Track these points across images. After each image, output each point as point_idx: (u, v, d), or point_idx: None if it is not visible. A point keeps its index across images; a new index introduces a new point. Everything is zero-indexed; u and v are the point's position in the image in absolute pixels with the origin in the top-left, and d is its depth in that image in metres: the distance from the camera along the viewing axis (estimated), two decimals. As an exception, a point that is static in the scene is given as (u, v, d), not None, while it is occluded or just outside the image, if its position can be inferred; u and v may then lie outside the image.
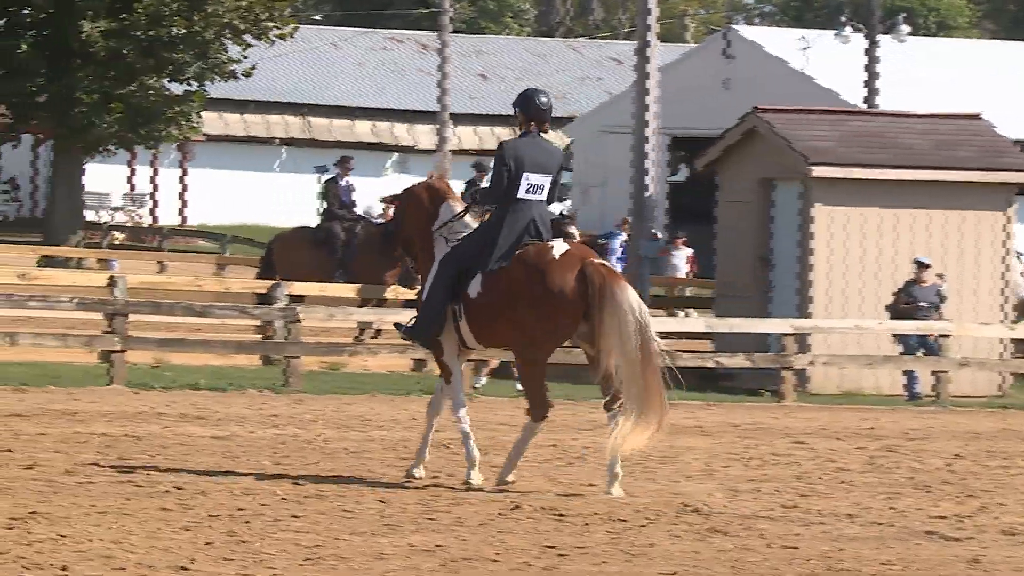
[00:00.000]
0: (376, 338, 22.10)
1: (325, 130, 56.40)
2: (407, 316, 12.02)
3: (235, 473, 11.59)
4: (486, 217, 11.44)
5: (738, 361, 20.39)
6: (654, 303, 25.93)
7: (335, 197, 24.17)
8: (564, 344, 11.34)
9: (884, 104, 37.00)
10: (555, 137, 53.99)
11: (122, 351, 18.24)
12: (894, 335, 21.71)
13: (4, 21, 39.16)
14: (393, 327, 12.06)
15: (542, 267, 11.05)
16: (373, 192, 32.96)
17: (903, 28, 43.56)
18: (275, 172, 56.02)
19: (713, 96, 41.44)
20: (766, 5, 79.96)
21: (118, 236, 44.86)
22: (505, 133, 55.54)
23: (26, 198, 55.15)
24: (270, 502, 10.50)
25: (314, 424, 15.04)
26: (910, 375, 21.74)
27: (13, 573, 8.30)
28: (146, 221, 52.72)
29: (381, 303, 22.42)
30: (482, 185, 15.26)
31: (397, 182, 44.84)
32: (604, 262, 11.31)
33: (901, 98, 37.79)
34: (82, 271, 32.18)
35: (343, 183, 24.31)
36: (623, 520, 10.29)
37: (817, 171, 22.54)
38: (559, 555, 9.20)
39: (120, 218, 52.25)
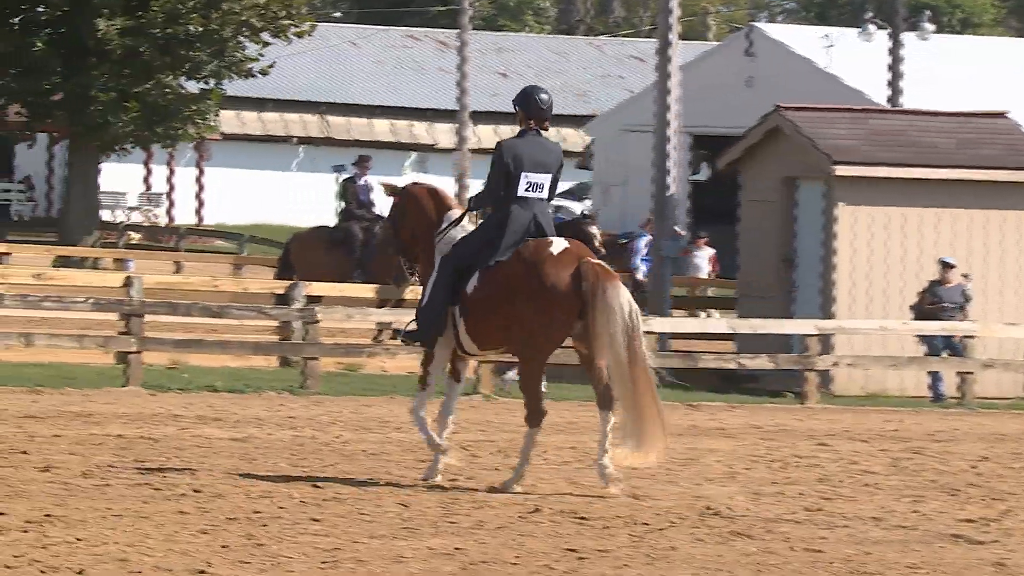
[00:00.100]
0: (395, 339, 22.02)
1: (343, 129, 56.36)
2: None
3: (253, 475, 11.54)
4: (484, 217, 11.41)
5: (761, 362, 20.28)
6: (676, 303, 25.83)
7: (353, 196, 24.10)
8: (564, 345, 11.28)
9: (908, 102, 36.85)
10: (577, 135, 54.03)
11: (138, 352, 18.17)
12: (918, 336, 21.58)
13: (19, 19, 39.14)
14: (393, 334, 12.03)
15: (539, 261, 11.05)
16: (392, 192, 32.81)
17: (927, 26, 43.39)
18: (293, 171, 56.00)
19: (735, 94, 41.30)
20: (789, 2, 79.83)
21: (134, 236, 44.84)
22: (522, 132, 55.43)
23: (41, 198, 55.14)
24: (288, 505, 10.46)
25: (332, 426, 15.00)
26: (935, 376, 21.62)
27: (28, 577, 8.28)
28: (162, 221, 52.67)
29: (400, 304, 22.34)
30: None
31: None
32: (602, 262, 11.29)
33: (925, 96, 37.61)
34: (98, 271, 32.12)
35: (361, 182, 24.23)
36: (645, 523, 10.24)
37: (841, 170, 22.44)
38: (580, 559, 9.15)
39: (136, 218, 52.23)
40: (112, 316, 19.20)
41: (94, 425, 14.31)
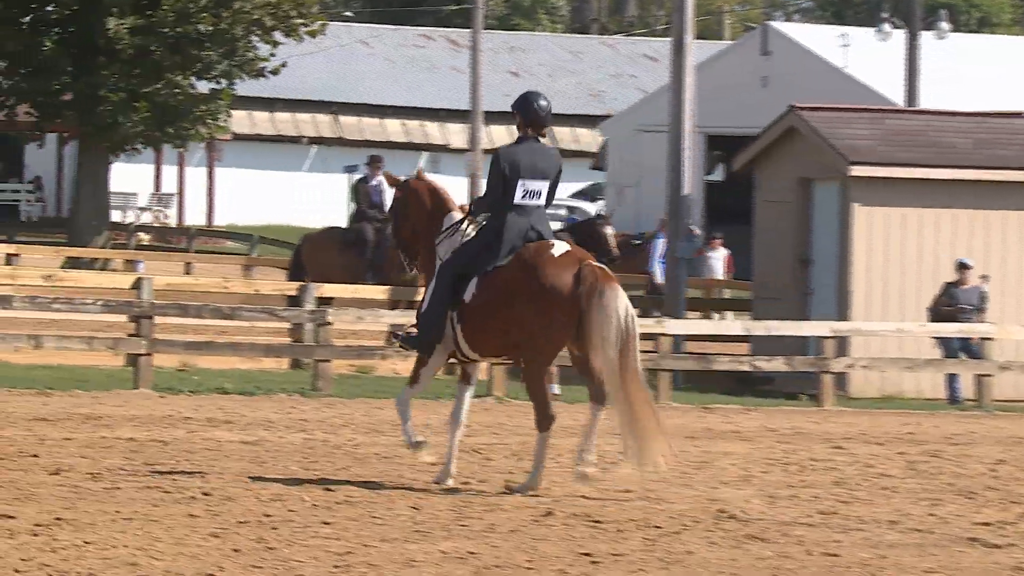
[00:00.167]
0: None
1: (355, 129, 56.29)
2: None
3: (263, 478, 11.50)
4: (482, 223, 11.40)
5: (776, 364, 20.19)
6: (690, 305, 25.73)
7: (365, 197, 24.03)
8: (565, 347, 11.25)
9: (925, 102, 36.75)
10: (591, 135, 53.93)
11: (148, 354, 18.10)
12: (935, 338, 21.47)
13: (29, 18, 39.02)
14: (392, 337, 11.99)
15: (540, 263, 11.06)
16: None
17: (944, 25, 43.27)
18: (304, 172, 55.93)
19: (751, 94, 41.21)
20: (805, 1, 79.69)
21: (144, 237, 44.83)
22: (539, 133, 55.38)
23: (51, 198, 55.14)
24: (299, 508, 10.42)
25: (344, 429, 14.96)
26: (952, 379, 21.52)
27: (37, 581, 8.25)
28: (173, 222, 52.66)
29: (412, 305, 22.27)
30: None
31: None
32: (602, 265, 11.28)
33: (942, 96, 37.52)
34: (108, 273, 32.07)
35: (373, 183, 24.16)
36: (659, 527, 10.20)
37: (857, 170, 22.36)
38: (593, 562, 9.11)
39: (146, 218, 52.23)
40: (122, 318, 19.15)
41: (104, 428, 14.26)
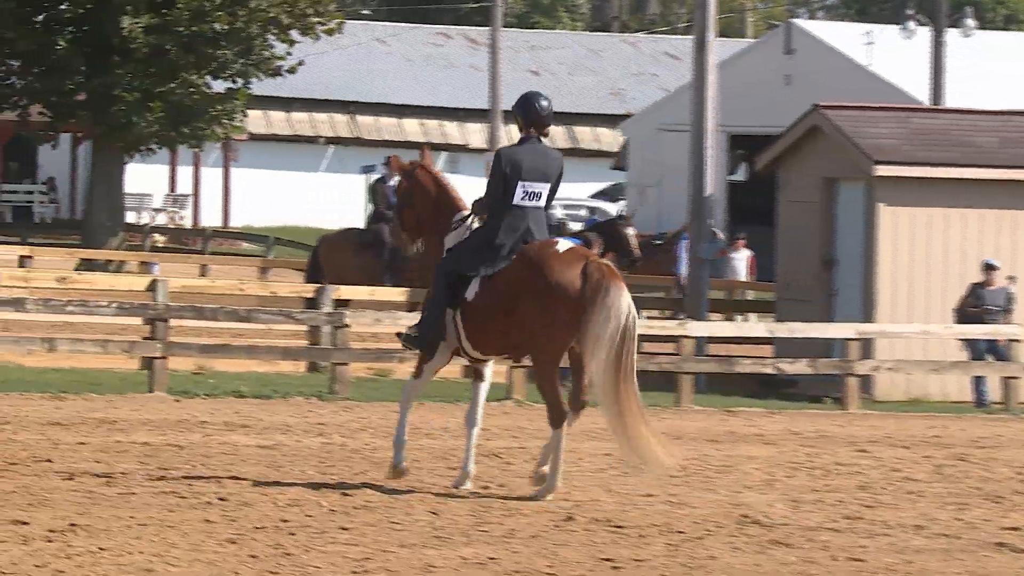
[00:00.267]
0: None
1: (372, 128, 56.18)
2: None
3: (280, 483, 11.45)
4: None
5: (800, 367, 20.03)
6: (713, 307, 25.59)
7: (383, 198, 23.90)
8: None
9: (951, 100, 36.57)
10: (612, 135, 53.77)
11: (163, 357, 17.98)
12: (961, 340, 21.30)
13: (42, 17, 38.94)
14: (397, 335, 11.96)
15: (545, 261, 11.04)
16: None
17: (970, 22, 43.10)
18: (321, 172, 55.86)
19: (774, 92, 41.07)
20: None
21: (159, 238, 44.80)
22: (557, 131, 55.30)
23: (64, 199, 55.13)
24: (316, 513, 10.36)
25: (362, 433, 14.89)
26: (978, 381, 21.37)
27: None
28: (188, 223, 52.61)
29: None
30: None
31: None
32: (608, 263, 11.24)
33: (968, 94, 37.35)
34: (122, 274, 32.01)
35: (391, 183, 24.03)
36: (681, 532, 10.15)
37: (882, 170, 22.21)
38: (615, 568, 9.06)
39: (161, 220, 52.20)
40: (137, 320, 19.06)
41: (118, 432, 14.21)
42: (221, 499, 10.68)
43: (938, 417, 19.09)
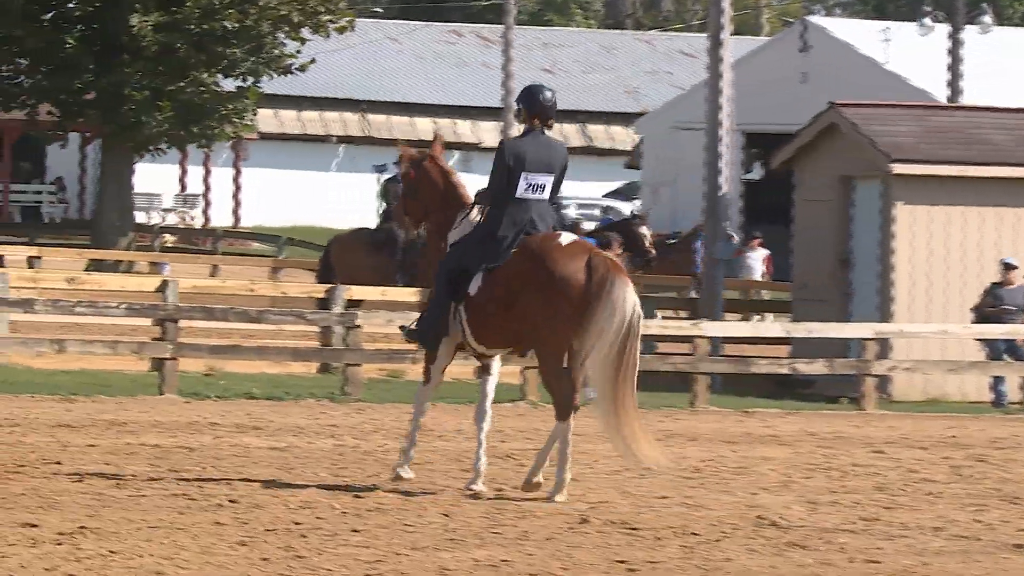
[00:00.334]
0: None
1: (384, 127, 56.08)
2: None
3: (292, 485, 11.41)
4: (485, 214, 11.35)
5: (816, 367, 19.94)
6: (728, 306, 25.50)
7: (395, 197, 23.80)
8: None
9: (968, 98, 36.43)
10: (626, 133, 53.65)
11: (174, 359, 17.93)
12: (979, 339, 21.19)
13: (51, 15, 38.86)
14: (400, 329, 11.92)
15: (548, 253, 10.98)
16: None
17: (988, 19, 42.94)
18: (332, 171, 55.77)
19: (789, 90, 40.94)
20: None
21: (169, 238, 44.78)
22: (571, 129, 55.26)
23: (73, 199, 55.05)
24: (328, 516, 10.33)
25: (374, 434, 14.86)
26: (997, 381, 21.27)
27: (60, 591, 8.19)
28: (198, 223, 52.57)
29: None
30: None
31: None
32: (613, 257, 11.22)
33: (986, 91, 37.18)
34: (132, 275, 31.98)
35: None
36: (697, 534, 10.10)
37: (899, 168, 22.11)
38: (630, 570, 9.01)
39: (171, 220, 52.15)
40: (147, 321, 19.03)
41: (128, 434, 14.19)
42: (232, 501, 10.64)
43: (956, 418, 19.01)
